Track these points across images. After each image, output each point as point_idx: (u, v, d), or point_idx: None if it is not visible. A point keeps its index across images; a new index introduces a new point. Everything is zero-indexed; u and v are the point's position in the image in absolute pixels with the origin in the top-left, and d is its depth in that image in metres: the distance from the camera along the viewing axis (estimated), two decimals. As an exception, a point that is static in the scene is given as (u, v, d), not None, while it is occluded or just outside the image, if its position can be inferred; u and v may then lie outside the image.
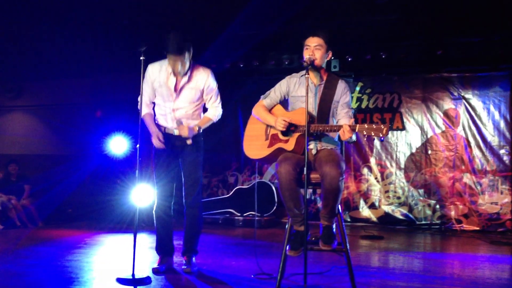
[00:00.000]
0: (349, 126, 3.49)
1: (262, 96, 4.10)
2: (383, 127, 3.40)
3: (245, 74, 8.77)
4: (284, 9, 6.92)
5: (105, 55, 7.82)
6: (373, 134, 3.42)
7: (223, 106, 4.50)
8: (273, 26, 7.42)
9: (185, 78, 4.21)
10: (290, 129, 3.80)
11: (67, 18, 7.07)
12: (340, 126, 3.55)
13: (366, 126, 3.46)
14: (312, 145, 3.81)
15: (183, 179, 4.33)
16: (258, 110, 4.02)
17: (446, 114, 8.02)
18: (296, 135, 3.75)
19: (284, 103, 4.08)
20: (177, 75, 4.20)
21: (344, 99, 3.87)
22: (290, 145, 3.76)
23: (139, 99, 4.27)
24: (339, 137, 3.81)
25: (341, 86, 3.89)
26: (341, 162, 3.57)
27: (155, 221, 4.35)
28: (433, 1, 6.55)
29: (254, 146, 3.99)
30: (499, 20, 6.89)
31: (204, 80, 4.25)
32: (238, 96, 9.04)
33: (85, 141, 8.94)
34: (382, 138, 3.45)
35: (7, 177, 8.27)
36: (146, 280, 3.85)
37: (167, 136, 4.28)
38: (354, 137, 3.58)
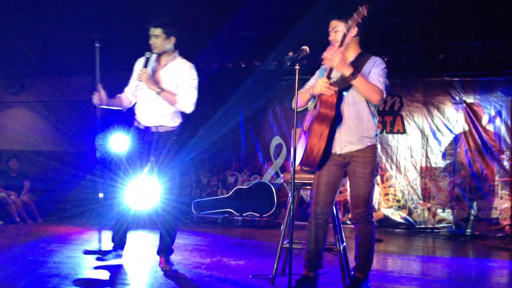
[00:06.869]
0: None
1: None
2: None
3: (247, 74, 8.77)
4: (286, 9, 6.92)
5: (106, 52, 7.85)
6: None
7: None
8: (274, 26, 7.42)
9: None
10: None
11: (70, 15, 7.08)
12: None
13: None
14: (336, 142, 3.58)
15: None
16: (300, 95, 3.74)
17: (447, 118, 8.03)
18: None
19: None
20: None
21: (375, 71, 3.53)
22: (305, 125, 3.60)
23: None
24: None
25: (372, 60, 3.60)
26: (371, 197, 3.54)
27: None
28: (435, 6, 6.56)
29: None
30: (501, 25, 6.89)
31: None
32: (239, 96, 9.05)
33: (86, 138, 8.94)
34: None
35: (8, 172, 8.26)
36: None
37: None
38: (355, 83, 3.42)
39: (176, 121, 4.30)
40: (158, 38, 4.17)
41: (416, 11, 6.74)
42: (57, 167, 9.08)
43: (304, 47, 3.39)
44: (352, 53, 3.63)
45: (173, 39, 4.22)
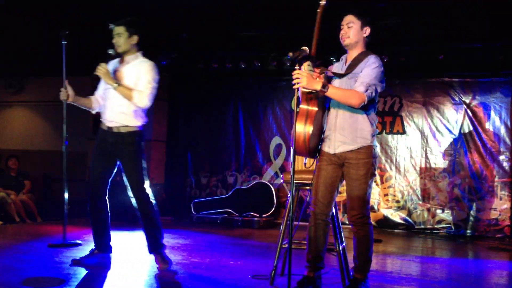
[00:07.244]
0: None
1: None
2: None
3: (247, 75, 8.78)
4: (286, 9, 6.91)
5: (104, 53, 7.86)
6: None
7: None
8: (275, 26, 7.42)
9: None
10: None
11: (70, 16, 7.09)
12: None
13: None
14: (331, 142, 3.54)
15: (125, 179, 4.26)
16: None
17: (446, 118, 8.03)
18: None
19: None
20: None
21: (365, 71, 3.42)
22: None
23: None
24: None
25: (367, 58, 3.48)
26: (366, 199, 3.53)
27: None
28: (435, 6, 6.56)
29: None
30: (501, 26, 6.89)
31: None
32: (239, 96, 9.05)
33: (85, 138, 8.93)
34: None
35: (7, 172, 8.26)
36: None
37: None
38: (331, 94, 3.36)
39: (139, 121, 4.22)
40: (121, 36, 4.15)
41: (416, 11, 6.74)
42: (57, 167, 9.06)
43: (304, 47, 3.38)
44: (356, 52, 3.57)
45: (135, 38, 4.20)
